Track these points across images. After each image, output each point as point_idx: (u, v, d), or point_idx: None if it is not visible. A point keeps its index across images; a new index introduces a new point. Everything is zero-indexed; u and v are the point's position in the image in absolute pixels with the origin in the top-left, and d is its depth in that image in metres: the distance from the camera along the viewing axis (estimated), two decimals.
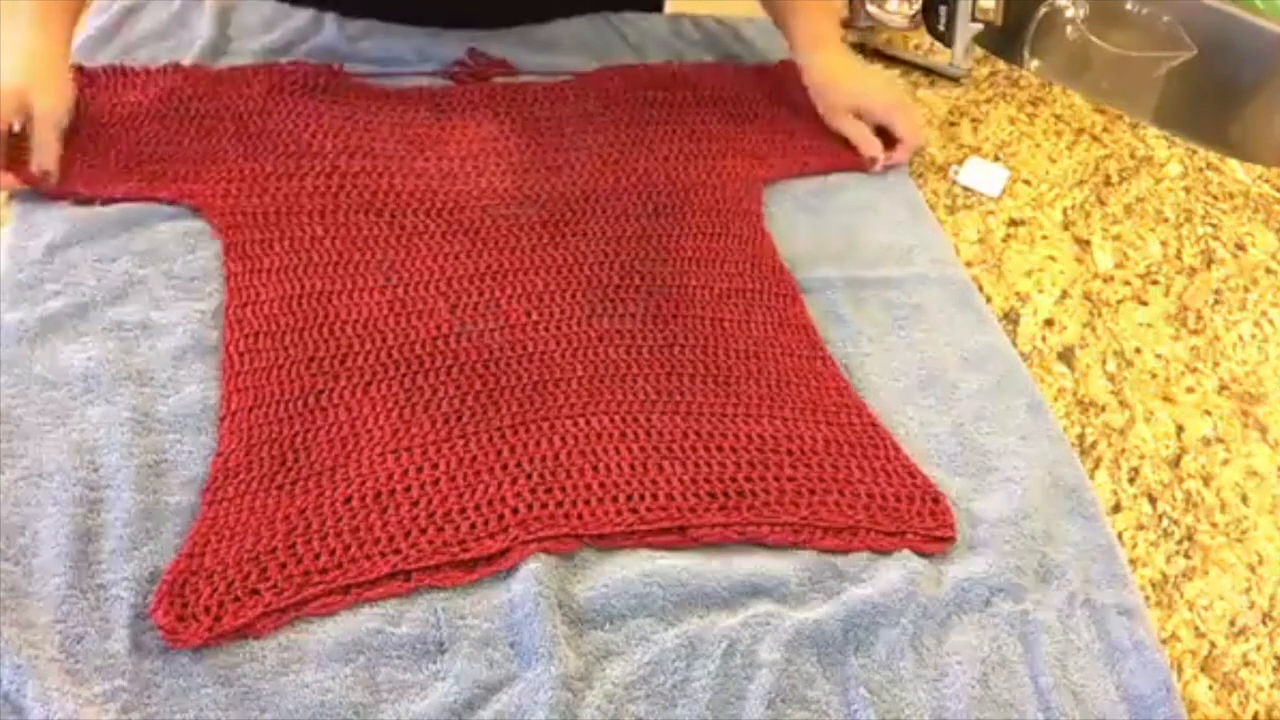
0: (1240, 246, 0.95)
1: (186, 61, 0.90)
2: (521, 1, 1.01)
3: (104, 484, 0.62)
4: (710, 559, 0.64)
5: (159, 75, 0.88)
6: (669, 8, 1.14)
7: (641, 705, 0.57)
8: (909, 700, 0.59)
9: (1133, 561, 0.69)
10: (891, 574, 0.64)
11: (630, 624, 0.60)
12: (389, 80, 0.94)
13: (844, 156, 0.95)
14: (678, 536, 0.64)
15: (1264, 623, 0.68)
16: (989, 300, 0.85)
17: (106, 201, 0.78)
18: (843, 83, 0.96)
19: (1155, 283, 0.90)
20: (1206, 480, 0.75)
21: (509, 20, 1.01)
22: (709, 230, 0.85)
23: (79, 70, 0.86)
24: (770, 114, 0.98)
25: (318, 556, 0.60)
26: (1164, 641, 0.65)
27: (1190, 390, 0.82)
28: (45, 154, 0.78)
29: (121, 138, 0.82)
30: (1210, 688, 0.64)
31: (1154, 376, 0.82)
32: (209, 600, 0.57)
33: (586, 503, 0.64)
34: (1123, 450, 0.76)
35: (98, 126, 0.83)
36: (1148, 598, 0.67)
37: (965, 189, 0.96)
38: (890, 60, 1.11)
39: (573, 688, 0.56)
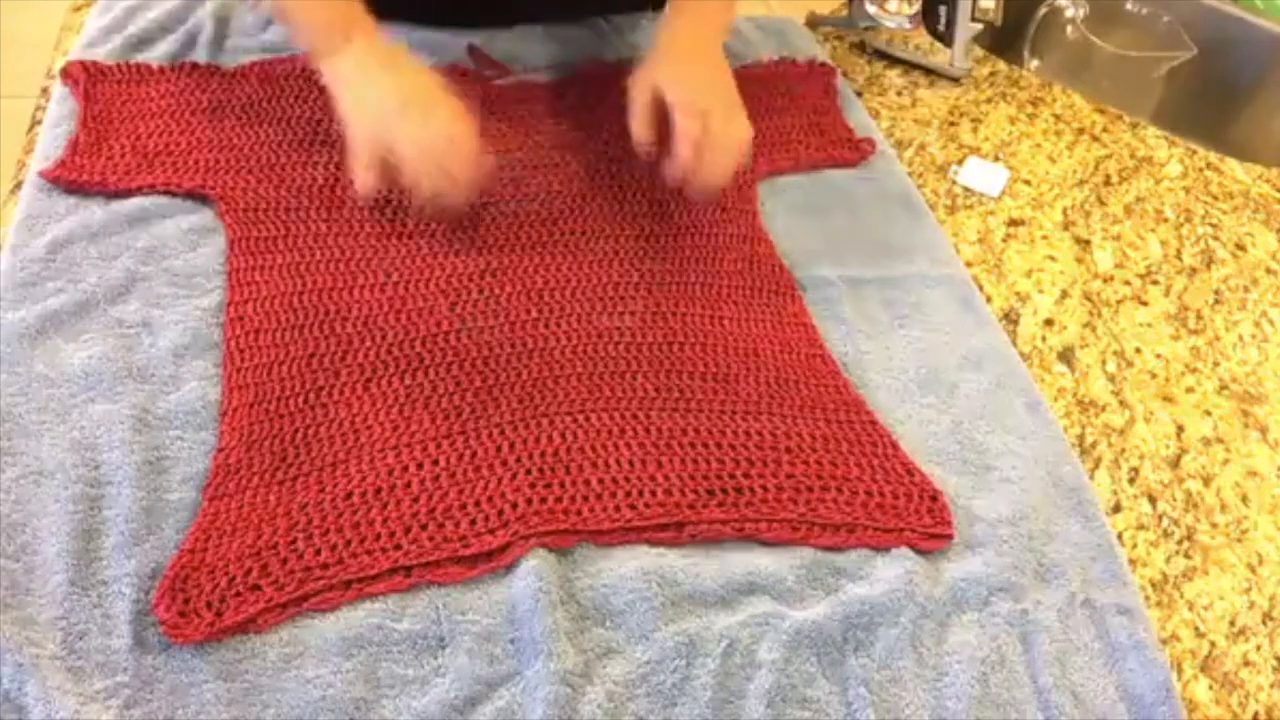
0: (1240, 246, 0.96)
1: (188, 59, 0.90)
2: (522, 7, 1.01)
3: (105, 481, 0.62)
4: (709, 556, 0.64)
5: (171, 73, 0.88)
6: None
7: (642, 703, 0.57)
8: (908, 700, 0.60)
9: (1133, 561, 0.69)
10: (890, 572, 0.64)
11: (630, 621, 0.60)
12: None
13: (839, 154, 0.96)
14: (676, 533, 0.64)
15: (1264, 623, 0.68)
16: (989, 300, 0.85)
17: (117, 195, 0.78)
18: (673, 56, 0.84)
19: (1155, 283, 0.90)
20: (1206, 480, 0.76)
21: (509, 23, 1.01)
22: (707, 228, 0.85)
23: (93, 66, 0.86)
24: (766, 111, 0.98)
25: (318, 552, 0.60)
26: (1164, 641, 0.65)
27: (1190, 390, 0.82)
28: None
29: (140, 132, 0.82)
30: (1210, 688, 0.64)
31: (1154, 376, 0.82)
32: (210, 596, 0.57)
33: (585, 499, 0.64)
34: (1123, 450, 0.76)
35: (115, 121, 0.83)
36: (1148, 598, 0.67)
37: (965, 189, 0.96)
38: (890, 60, 1.11)
39: (573, 684, 0.56)
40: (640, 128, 0.81)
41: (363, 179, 0.75)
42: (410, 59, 0.79)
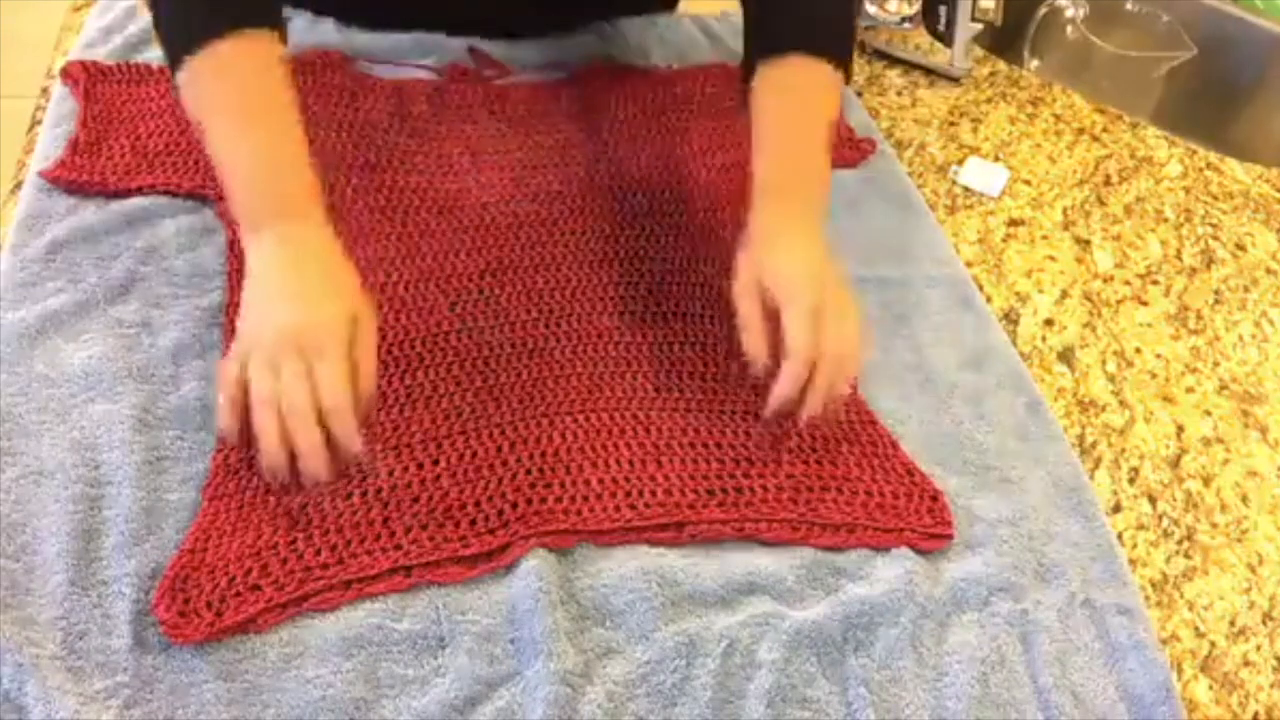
0: (1240, 246, 0.96)
1: None
2: (524, 16, 1.01)
3: (105, 481, 0.62)
4: (709, 556, 0.64)
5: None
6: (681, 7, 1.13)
7: (642, 703, 0.57)
8: (908, 700, 0.60)
9: (1133, 561, 0.69)
10: (890, 572, 0.64)
11: (630, 621, 0.60)
12: (388, 70, 0.93)
13: (839, 154, 0.95)
14: (676, 533, 0.64)
15: (1264, 623, 0.68)
16: (989, 300, 0.85)
17: (117, 195, 0.78)
18: (769, 247, 0.71)
19: (1155, 283, 0.90)
20: (1206, 480, 0.76)
21: (512, 34, 1.00)
22: (707, 228, 0.85)
23: (93, 66, 0.86)
24: None
25: (319, 552, 0.60)
26: (1164, 641, 0.65)
27: (1190, 390, 0.82)
28: (371, 380, 0.62)
29: (140, 132, 0.82)
30: (1210, 688, 0.64)
31: (1154, 376, 0.82)
32: (210, 596, 0.57)
33: (585, 499, 0.64)
34: (1123, 450, 0.76)
35: (115, 121, 0.83)
36: (1148, 598, 0.67)
37: (965, 189, 0.96)
38: (890, 60, 1.11)
39: (572, 684, 0.56)
40: (755, 343, 0.68)
41: (219, 406, 0.61)
42: (337, 270, 0.65)
